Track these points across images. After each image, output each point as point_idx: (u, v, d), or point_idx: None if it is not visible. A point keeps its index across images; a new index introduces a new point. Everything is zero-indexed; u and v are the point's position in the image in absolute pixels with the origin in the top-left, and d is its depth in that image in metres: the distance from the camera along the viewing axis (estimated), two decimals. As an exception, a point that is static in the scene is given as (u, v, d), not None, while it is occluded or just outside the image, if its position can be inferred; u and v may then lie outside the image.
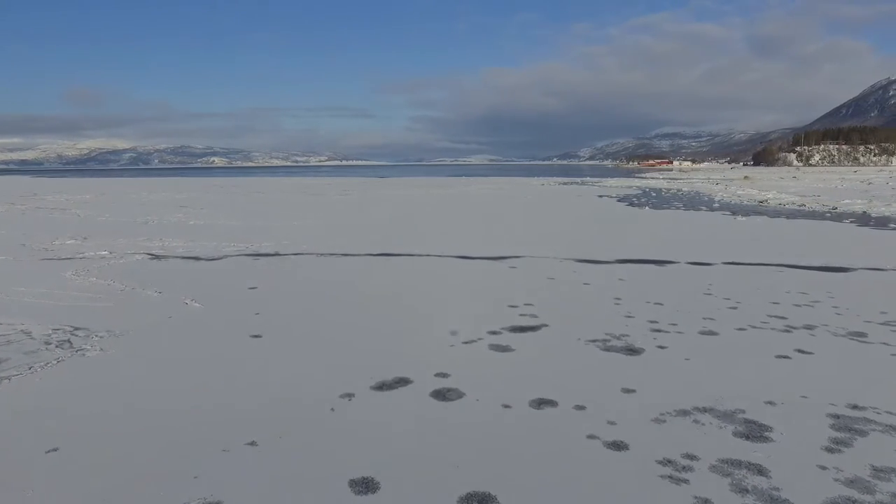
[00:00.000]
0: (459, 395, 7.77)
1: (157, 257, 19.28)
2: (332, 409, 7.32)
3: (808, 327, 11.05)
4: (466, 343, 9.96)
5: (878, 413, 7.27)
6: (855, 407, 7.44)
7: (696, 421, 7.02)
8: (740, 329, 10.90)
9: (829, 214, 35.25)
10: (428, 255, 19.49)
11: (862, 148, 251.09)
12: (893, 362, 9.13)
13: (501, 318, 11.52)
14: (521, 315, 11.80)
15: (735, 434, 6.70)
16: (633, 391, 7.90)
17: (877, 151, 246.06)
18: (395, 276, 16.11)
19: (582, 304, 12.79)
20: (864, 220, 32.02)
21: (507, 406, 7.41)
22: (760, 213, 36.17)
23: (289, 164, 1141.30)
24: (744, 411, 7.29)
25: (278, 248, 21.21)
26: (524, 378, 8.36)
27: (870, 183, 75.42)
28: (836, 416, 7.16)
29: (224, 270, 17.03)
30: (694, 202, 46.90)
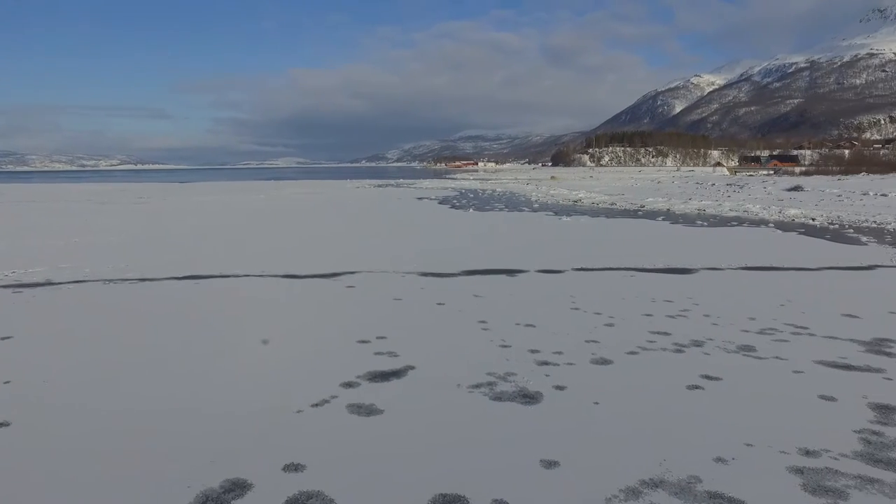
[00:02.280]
0: (324, 504, 5.31)
1: None
2: (121, 565, 4.53)
3: (696, 344, 9.98)
4: (317, 406, 7.44)
5: (836, 459, 6.03)
6: (807, 453, 6.16)
7: (652, 507, 5.23)
8: (631, 353, 9.51)
9: (640, 213, 36.89)
10: (247, 276, 16.41)
11: (643, 150, 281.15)
12: (801, 382, 8.18)
13: (354, 361, 9.12)
14: (376, 354, 9.48)
15: (710, 524, 5.00)
16: (557, 464, 5.96)
17: (654, 153, 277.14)
18: (207, 308, 12.96)
19: (445, 333, 10.75)
20: (672, 217, 33.75)
21: (397, 518, 5.11)
22: (580, 213, 36.92)
23: (74, 168, 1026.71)
24: (700, 480, 5.64)
25: (52, 274, 16.86)
26: (408, 461, 6.08)
27: (659, 182, 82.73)
28: (799, 471, 5.79)
29: (-33, 311, 12.75)
30: (514, 203, 47.35)
